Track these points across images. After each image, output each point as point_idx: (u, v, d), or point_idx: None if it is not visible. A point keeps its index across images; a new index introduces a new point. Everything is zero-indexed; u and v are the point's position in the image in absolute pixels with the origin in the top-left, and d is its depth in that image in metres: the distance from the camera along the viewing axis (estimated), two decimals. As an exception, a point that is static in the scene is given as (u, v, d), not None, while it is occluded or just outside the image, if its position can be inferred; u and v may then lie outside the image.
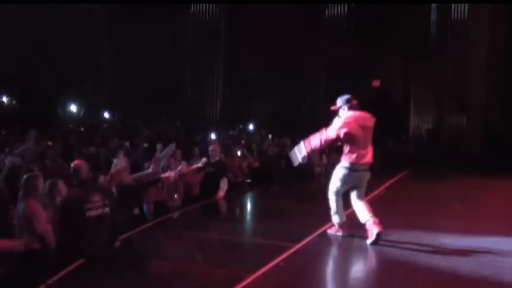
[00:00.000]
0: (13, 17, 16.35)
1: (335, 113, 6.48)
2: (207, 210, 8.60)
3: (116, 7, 18.20)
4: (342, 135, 6.16)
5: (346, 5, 17.87)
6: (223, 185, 9.20)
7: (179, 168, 8.32)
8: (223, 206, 9.07)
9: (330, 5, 18.00)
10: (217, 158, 9.28)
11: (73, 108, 16.80)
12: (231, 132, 14.77)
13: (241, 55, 18.32)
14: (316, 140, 6.32)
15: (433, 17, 17.26)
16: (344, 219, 6.61)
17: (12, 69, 16.15)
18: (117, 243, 5.93)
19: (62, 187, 5.96)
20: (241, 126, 15.97)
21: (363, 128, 6.26)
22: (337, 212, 6.58)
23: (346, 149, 6.28)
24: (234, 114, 17.52)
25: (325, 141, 6.29)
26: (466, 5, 16.41)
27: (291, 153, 6.61)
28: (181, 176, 8.26)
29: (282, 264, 5.44)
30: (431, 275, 5.33)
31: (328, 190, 6.59)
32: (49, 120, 14.34)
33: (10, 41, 16.18)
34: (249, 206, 9.71)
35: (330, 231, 6.72)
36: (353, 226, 7.18)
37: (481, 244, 6.45)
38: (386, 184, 11.11)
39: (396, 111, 17.24)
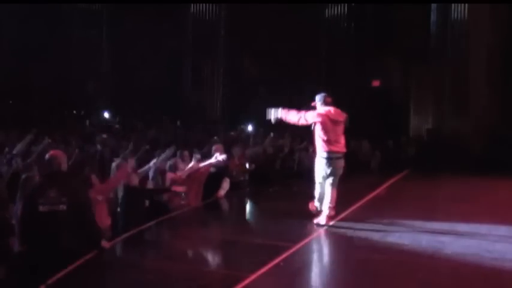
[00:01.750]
0: (13, 17, 16.34)
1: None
2: (207, 210, 8.60)
3: (116, 7, 18.19)
4: (314, 122, 7.20)
5: (346, 5, 17.84)
6: (225, 184, 9.27)
7: (189, 166, 8.37)
8: (224, 206, 9.07)
9: (330, 5, 17.96)
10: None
11: None
12: (232, 133, 14.75)
13: (241, 55, 18.30)
14: (294, 115, 7.31)
15: (433, 17, 17.21)
16: (319, 208, 7.36)
17: (11, 69, 16.14)
18: (105, 244, 5.78)
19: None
20: (242, 127, 15.96)
21: (333, 121, 7.21)
22: (318, 200, 7.42)
23: (321, 141, 7.20)
24: (234, 114, 17.50)
25: (301, 121, 7.28)
26: (466, 5, 16.37)
27: (268, 110, 7.47)
28: (188, 175, 8.29)
29: (282, 264, 5.44)
30: (431, 275, 5.34)
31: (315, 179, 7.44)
32: (49, 120, 14.33)
33: (10, 41, 16.18)
34: (249, 206, 9.70)
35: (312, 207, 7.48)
36: (353, 226, 7.20)
37: (480, 244, 6.47)
38: (386, 184, 11.11)
39: (396, 111, 17.22)
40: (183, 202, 8.23)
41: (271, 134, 13.18)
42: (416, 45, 16.88)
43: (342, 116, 7.33)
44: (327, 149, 7.19)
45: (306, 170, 12.56)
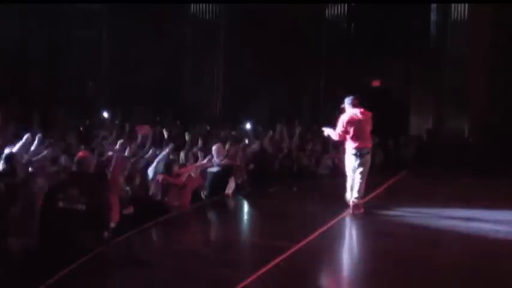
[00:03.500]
0: (13, 17, 16.33)
1: (337, 111, 8.68)
2: (207, 210, 8.60)
3: (116, 7, 18.18)
4: (346, 127, 8.12)
5: (346, 5, 17.85)
6: (232, 183, 9.36)
7: (191, 168, 8.41)
8: (224, 206, 9.07)
9: (330, 5, 17.97)
10: (222, 158, 9.40)
11: None
12: (233, 133, 14.72)
13: (241, 55, 18.29)
14: (333, 134, 8.42)
15: (433, 17, 17.23)
16: (349, 198, 8.23)
17: (11, 70, 16.13)
18: (106, 234, 5.83)
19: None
20: (240, 126, 15.94)
21: (360, 121, 8.13)
22: (347, 192, 8.30)
23: (349, 138, 8.14)
24: (234, 114, 17.49)
25: (338, 135, 8.28)
26: (466, 5, 16.39)
27: (325, 129, 8.70)
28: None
29: (282, 264, 5.44)
30: (430, 275, 5.33)
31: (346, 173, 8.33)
32: (49, 119, 14.30)
33: (10, 41, 16.16)
34: (248, 206, 9.70)
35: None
36: (353, 226, 7.20)
37: (479, 244, 6.48)
38: (387, 184, 11.12)
39: (396, 111, 17.21)
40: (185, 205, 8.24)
41: (270, 132, 13.16)
42: (416, 45, 16.88)
43: (367, 116, 8.25)
44: (354, 145, 8.14)
45: (305, 170, 12.63)
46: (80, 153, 5.85)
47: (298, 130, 13.06)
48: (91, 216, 5.40)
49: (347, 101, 8.36)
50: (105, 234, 5.83)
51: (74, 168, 5.74)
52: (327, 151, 13.39)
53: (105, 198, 5.83)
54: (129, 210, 7.06)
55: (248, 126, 15.08)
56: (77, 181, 5.50)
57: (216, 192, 9.08)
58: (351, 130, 8.13)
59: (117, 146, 7.53)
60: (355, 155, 8.15)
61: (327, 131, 8.58)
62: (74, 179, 5.55)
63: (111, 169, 7.03)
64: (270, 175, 11.33)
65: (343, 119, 8.23)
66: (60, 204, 5.34)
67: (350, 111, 8.22)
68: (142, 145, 9.47)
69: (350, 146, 8.22)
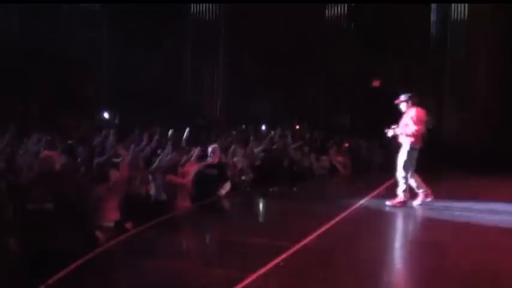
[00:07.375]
0: (13, 16, 16.34)
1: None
2: (206, 210, 8.59)
3: (116, 7, 18.17)
4: (417, 124, 8.33)
5: (346, 5, 17.86)
6: (226, 184, 9.30)
7: (195, 167, 8.45)
8: (223, 206, 9.07)
9: (330, 5, 17.99)
10: (218, 159, 9.38)
11: None
12: (233, 132, 14.73)
13: (241, 55, 18.30)
14: (406, 129, 8.47)
15: (433, 17, 17.26)
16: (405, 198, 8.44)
17: (11, 70, 16.13)
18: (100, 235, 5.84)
19: None
20: (244, 126, 15.94)
21: (422, 120, 8.44)
22: (406, 190, 8.42)
23: (413, 134, 8.34)
24: (234, 114, 17.50)
25: (413, 131, 8.37)
26: (466, 5, 16.41)
27: (386, 130, 8.88)
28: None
29: (282, 264, 5.44)
30: (429, 276, 5.33)
31: (398, 171, 8.52)
32: (49, 120, 14.30)
33: (9, 41, 16.17)
34: (249, 206, 9.70)
35: (390, 203, 8.40)
36: (353, 226, 7.20)
37: (479, 243, 6.48)
38: (387, 183, 11.12)
39: (396, 111, 17.18)
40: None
41: (272, 133, 13.16)
42: (416, 45, 16.88)
43: (426, 116, 8.58)
44: (416, 143, 8.43)
45: (305, 170, 12.64)
46: (45, 152, 5.84)
47: (297, 130, 13.06)
48: (65, 215, 5.32)
49: (404, 98, 8.69)
50: (98, 233, 5.81)
51: (38, 168, 5.72)
52: (324, 151, 13.46)
53: (79, 196, 5.73)
54: (128, 225, 6.98)
55: (263, 127, 15.07)
56: (42, 181, 5.44)
57: (211, 193, 9.00)
58: (421, 128, 8.40)
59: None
60: (417, 149, 8.44)
61: (393, 132, 8.64)
62: (39, 180, 5.50)
63: (120, 170, 7.04)
64: (278, 173, 11.35)
65: (416, 116, 8.39)
66: (28, 206, 5.32)
67: (417, 109, 8.46)
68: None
69: (416, 142, 8.43)
